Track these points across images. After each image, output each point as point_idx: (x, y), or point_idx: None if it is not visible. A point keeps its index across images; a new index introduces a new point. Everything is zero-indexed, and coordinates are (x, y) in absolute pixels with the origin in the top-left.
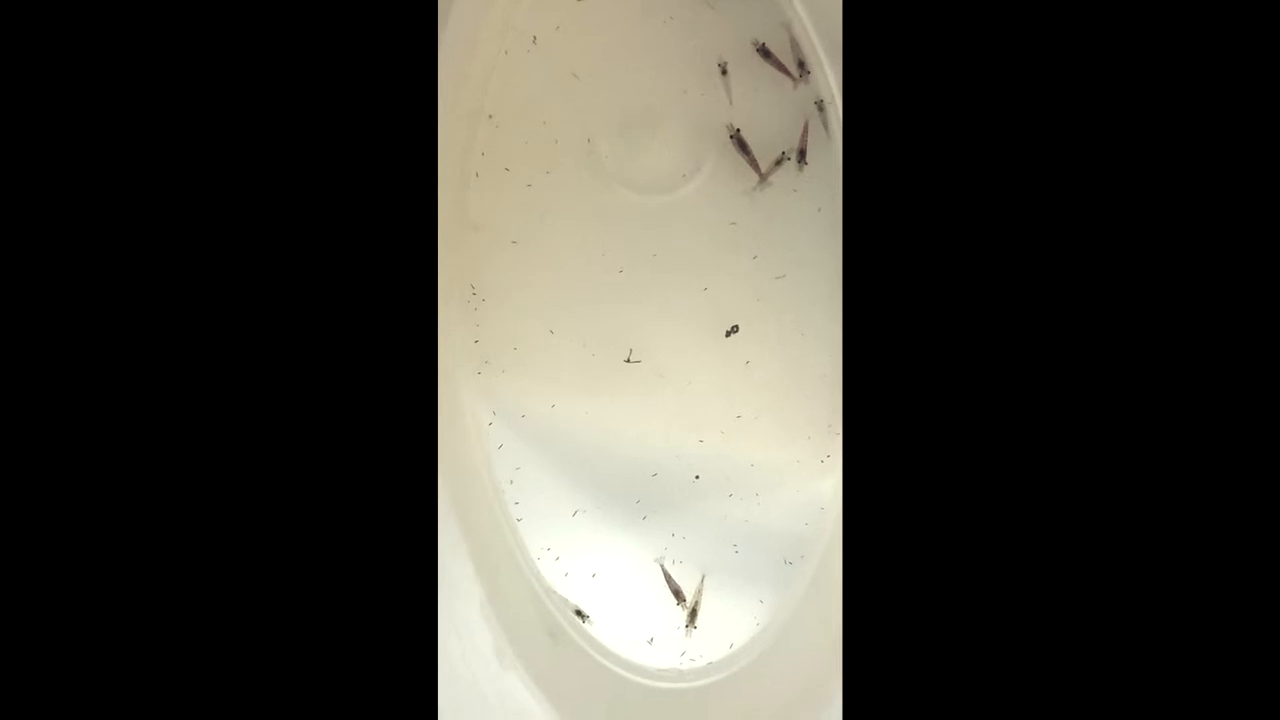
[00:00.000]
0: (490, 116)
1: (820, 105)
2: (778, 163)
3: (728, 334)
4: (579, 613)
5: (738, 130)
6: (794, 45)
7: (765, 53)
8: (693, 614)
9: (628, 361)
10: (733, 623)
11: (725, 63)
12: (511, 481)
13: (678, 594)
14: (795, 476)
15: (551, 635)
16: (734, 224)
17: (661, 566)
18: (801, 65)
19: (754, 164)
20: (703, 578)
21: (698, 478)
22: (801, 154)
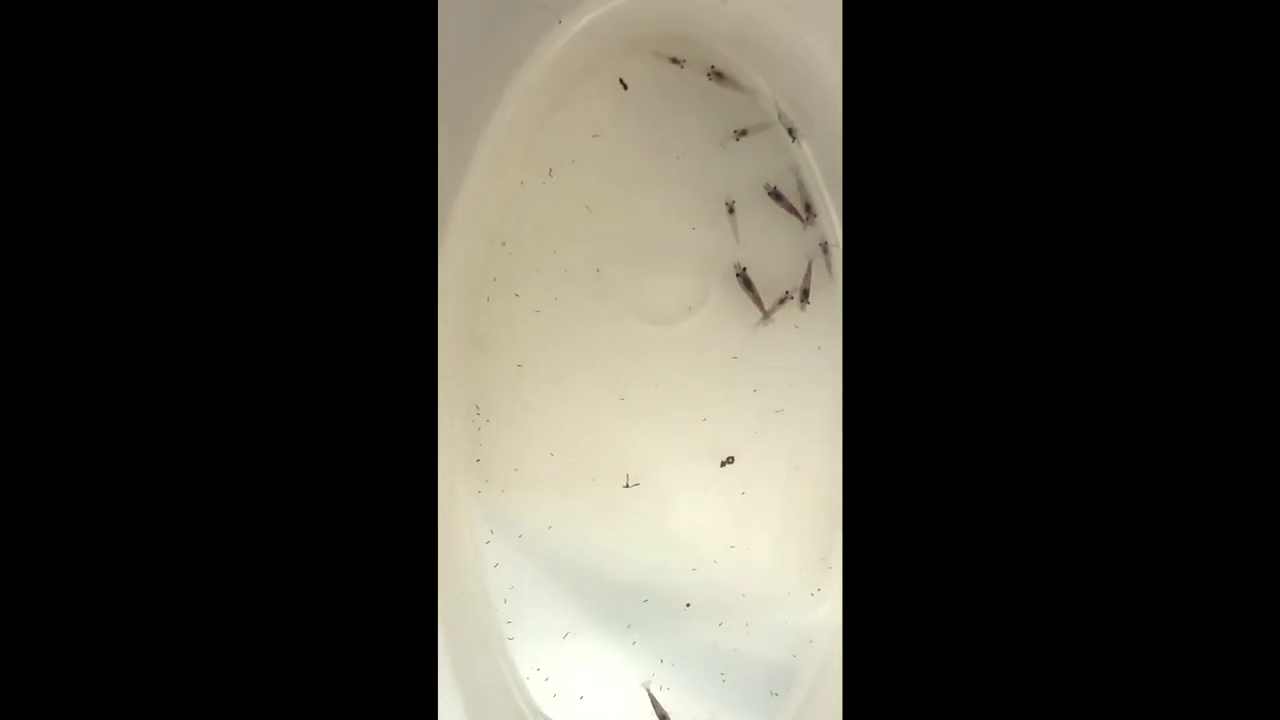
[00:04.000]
0: (504, 243)
1: (824, 247)
2: (781, 301)
3: (723, 464)
4: None
5: (744, 268)
6: (801, 188)
7: (776, 195)
8: None
9: (626, 487)
10: None
11: (733, 202)
12: (505, 600)
13: (664, 719)
14: (785, 608)
15: None
16: (735, 358)
17: (648, 691)
18: (808, 208)
19: (758, 301)
20: None
21: (689, 605)
22: (804, 293)
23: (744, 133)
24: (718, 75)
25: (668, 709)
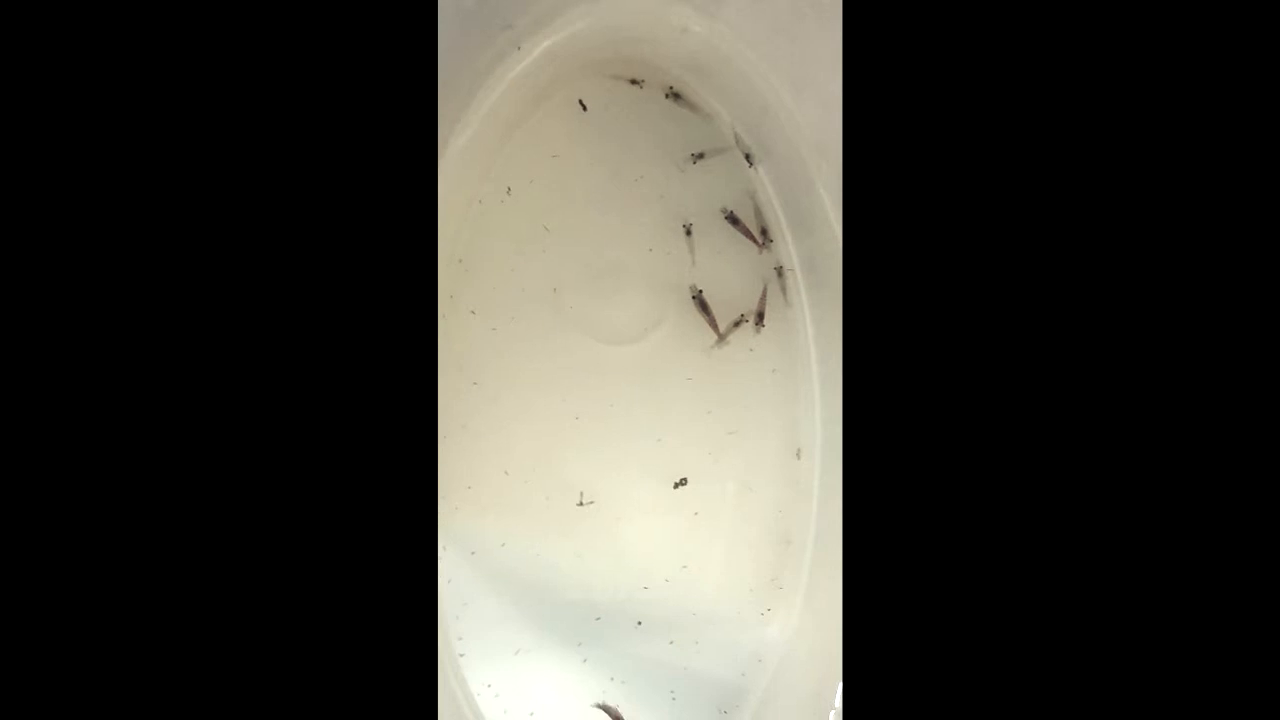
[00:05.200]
0: (460, 261)
1: (780, 271)
2: (736, 324)
3: (676, 485)
4: None
5: (700, 291)
6: (758, 213)
7: (733, 219)
8: None
9: (579, 505)
10: None
11: (690, 225)
12: (457, 617)
13: None
14: (735, 628)
15: None
16: (690, 379)
17: (606, 708)
18: (764, 232)
19: (713, 324)
20: None
21: (640, 623)
22: (759, 317)
23: (701, 156)
24: (675, 95)
25: None
